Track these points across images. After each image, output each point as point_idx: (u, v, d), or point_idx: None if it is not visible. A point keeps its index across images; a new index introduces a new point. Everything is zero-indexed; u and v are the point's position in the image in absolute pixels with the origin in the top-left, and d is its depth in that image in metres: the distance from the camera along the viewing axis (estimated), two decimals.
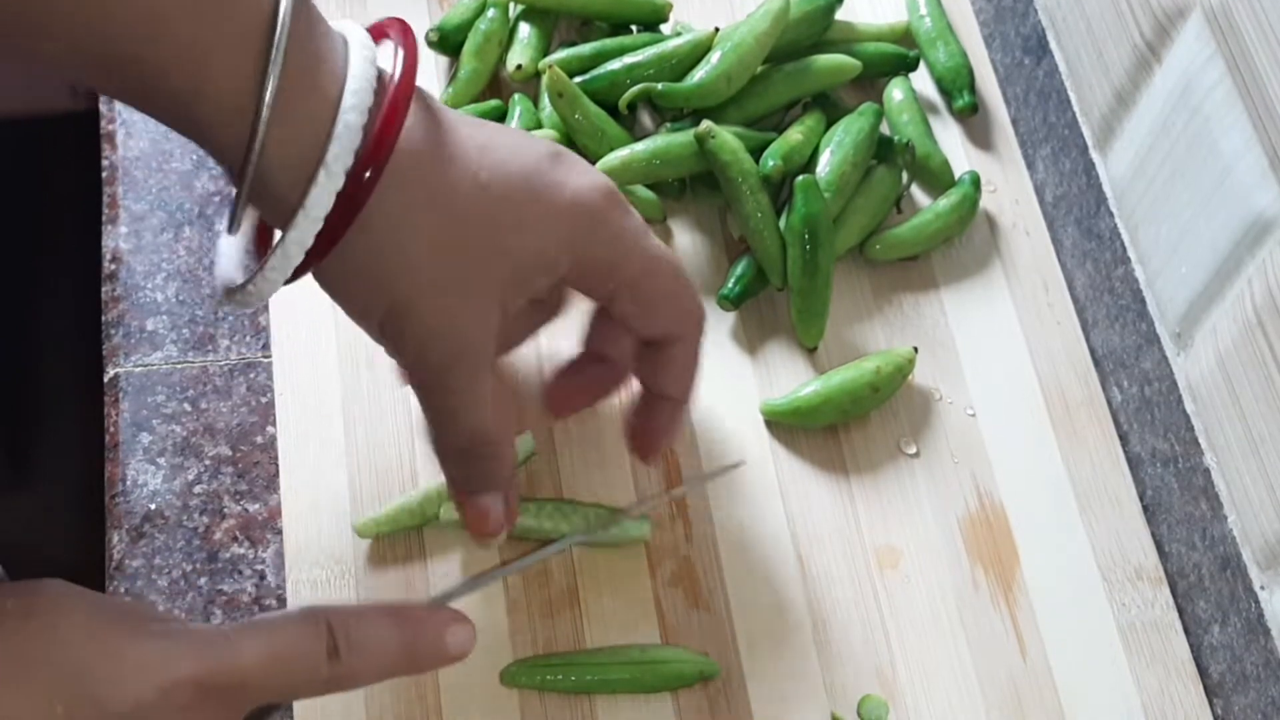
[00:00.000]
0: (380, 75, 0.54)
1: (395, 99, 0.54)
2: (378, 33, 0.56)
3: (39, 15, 0.50)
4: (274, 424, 0.71)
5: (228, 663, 0.51)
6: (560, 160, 0.59)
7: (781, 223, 0.75)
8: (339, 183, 0.53)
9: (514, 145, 0.59)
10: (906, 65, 0.82)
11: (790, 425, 0.73)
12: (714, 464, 0.71)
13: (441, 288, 0.56)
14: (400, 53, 0.55)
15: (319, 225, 0.53)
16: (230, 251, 0.57)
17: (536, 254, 0.58)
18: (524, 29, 0.80)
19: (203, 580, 0.67)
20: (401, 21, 0.56)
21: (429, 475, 0.70)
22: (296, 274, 0.55)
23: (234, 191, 0.54)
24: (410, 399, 0.71)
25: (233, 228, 0.55)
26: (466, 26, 0.80)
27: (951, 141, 0.81)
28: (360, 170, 0.53)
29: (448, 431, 0.60)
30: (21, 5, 0.49)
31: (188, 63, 0.51)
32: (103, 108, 0.79)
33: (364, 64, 0.54)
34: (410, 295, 0.56)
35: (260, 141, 0.51)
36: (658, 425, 0.65)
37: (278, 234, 0.54)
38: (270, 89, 0.51)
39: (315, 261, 0.55)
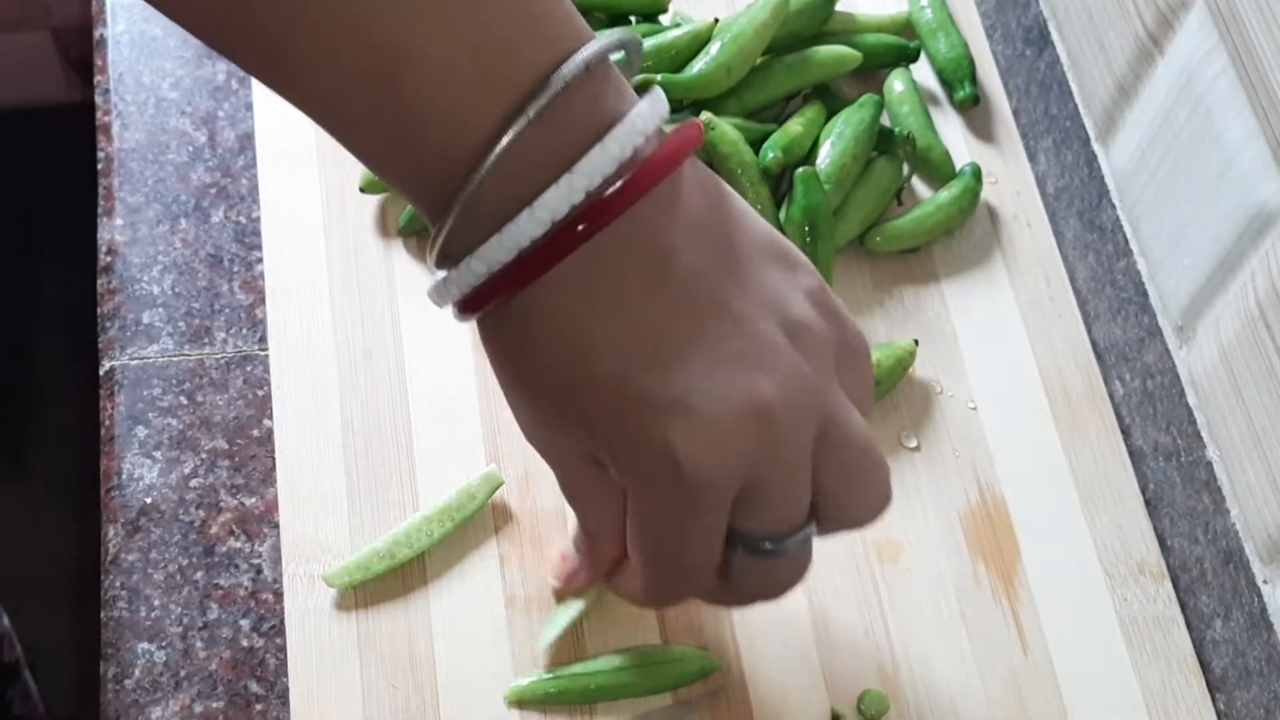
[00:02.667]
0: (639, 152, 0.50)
1: (640, 173, 0.49)
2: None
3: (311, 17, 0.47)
4: (271, 417, 0.71)
5: None
6: (691, 405, 0.51)
7: (781, 214, 0.74)
8: (539, 229, 0.49)
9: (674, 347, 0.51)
10: (907, 56, 0.82)
11: None
12: None
13: (529, 405, 0.54)
14: (678, 134, 0.51)
15: (511, 255, 0.49)
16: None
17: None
18: None
19: (199, 574, 0.67)
20: (698, 124, 0.52)
21: (426, 471, 0.69)
22: (469, 306, 0.52)
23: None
24: (408, 395, 0.71)
25: (432, 257, 0.52)
26: None
27: (952, 133, 0.81)
28: (573, 224, 0.49)
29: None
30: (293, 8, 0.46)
31: (442, 88, 0.48)
32: (98, 99, 0.78)
33: (639, 123, 0.49)
34: (510, 395, 0.55)
35: (495, 158, 0.48)
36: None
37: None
38: (528, 114, 0.48)
39: (489, 301, 0.51)
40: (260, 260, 0.74)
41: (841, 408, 0.53)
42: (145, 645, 0.65)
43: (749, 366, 0.51)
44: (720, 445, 0.51)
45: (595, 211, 0.49)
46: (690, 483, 0.51)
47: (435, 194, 0.50)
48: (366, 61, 0.47)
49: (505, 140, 0.48)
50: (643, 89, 0.51)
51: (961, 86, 0.81)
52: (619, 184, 0.49)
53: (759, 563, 0.55)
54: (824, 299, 0.54)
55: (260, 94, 0.78)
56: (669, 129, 0.51)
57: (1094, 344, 0.76)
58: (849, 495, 0.55)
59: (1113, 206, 0.75)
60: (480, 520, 0.68)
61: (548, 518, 0.69)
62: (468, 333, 0.73)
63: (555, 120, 0.48)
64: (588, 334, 0.51)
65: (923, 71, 0.83)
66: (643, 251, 0.50)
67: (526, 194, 0.48)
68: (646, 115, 0.50)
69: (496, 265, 0.49)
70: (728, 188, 0.53)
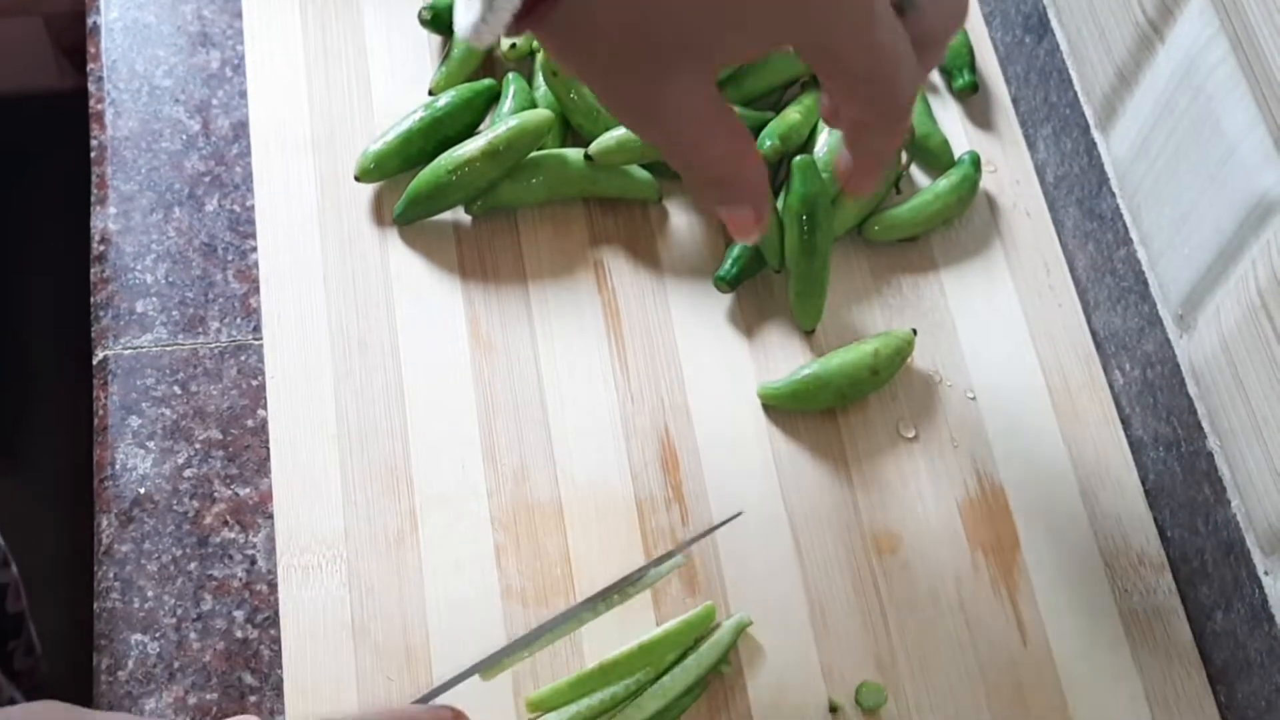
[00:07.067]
0: None
1: None
2: None
3: None
4: (265, 407, 0.70)
5: None
6: None
7: (779, 203, 0.74)
8: None
9: None
10: None
11: (788, 409, 0.72)
12: (710, 454, 0.71)
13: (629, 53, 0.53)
14: None
15: None
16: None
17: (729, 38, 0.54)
18: None
19: (193, 565, 0.67)
20: None
21: (420, 460, 0.69)
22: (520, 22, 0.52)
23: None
24: (403, 385, 0.71)
25: None
26: None
27: (951, 121, 0.81)
28: None
29: (677, 167, 0.58)
30: None
31: None
32: (92, 87, 0.78)
33: None
34: (595, 61, 0.54)
35: None
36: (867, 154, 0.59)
37: None
38: None
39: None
40: (254, 249, 0.74)
41: None
42: (139, 636, 0.65)
43: None
44: None
45: None
46: None
47: None
48: None
49: None
50: None
51: (960, 74, 0.81)
52: None
53: None
54: None
55: (254, 82, 0.78)
56: None
57: (1094, 333, 0.76)
58: None
59: (1112, 195, 0.74)
60: (476, 513, 0.68)
61: (543, 510, 0.69)
62: (463, 323, 0.72)
63: None
64: None
65: None
66: None
67: None
68: None
69: None
70: None
